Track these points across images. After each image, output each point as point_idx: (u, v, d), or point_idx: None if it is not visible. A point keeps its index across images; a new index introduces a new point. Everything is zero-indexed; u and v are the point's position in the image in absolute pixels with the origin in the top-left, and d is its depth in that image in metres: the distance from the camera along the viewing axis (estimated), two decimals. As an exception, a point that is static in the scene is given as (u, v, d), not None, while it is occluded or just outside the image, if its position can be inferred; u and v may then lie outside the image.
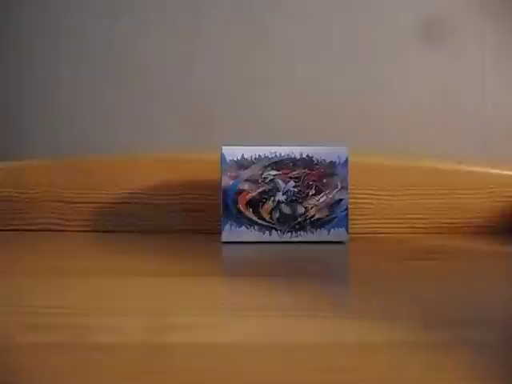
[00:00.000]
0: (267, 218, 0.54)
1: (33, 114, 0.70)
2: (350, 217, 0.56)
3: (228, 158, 0.54)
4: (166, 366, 0.22)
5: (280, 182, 0.54)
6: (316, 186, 0.54)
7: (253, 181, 0.54)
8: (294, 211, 0.54)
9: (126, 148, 0.68)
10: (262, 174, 0.54)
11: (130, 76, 0.70)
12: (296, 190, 0.54)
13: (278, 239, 0.54)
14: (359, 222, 0.63)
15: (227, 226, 0.54)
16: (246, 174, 0.54)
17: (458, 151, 0.67)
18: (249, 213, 0.54)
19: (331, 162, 0.54)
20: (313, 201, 0.55)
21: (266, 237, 0.54)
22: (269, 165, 0.54)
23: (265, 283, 0.36)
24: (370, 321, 0.28)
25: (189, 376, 0.21)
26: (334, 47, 0.69)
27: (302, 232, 0.54)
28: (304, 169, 0.54)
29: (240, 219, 0.54)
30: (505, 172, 0.63)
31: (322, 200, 0.55)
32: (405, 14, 0.68)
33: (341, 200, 0.55)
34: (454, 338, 0.25)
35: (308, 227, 0.54)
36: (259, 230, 0.54)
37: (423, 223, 0.63)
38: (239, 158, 0.54)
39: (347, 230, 0.55)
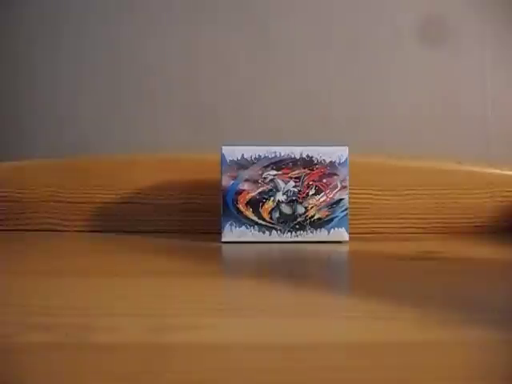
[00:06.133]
0: (267, 217, 0.54)
1: (33, 113, 0.70)
2: (349, 217, 0.56)
3: (228, 157, 0.54)
4: (165, 366, 0.22)
5: (280, 182, 0.54)
6: (316, 186, 0.54)
7: (253, 181, 0.54)
8: (294, 211, 0.54)
9: (126, 148, 0.68)
10: (261, 174, 0.54)
11: (130, 76, 0.70)
12: (296, 190, 0.54)
13: (277, 239, 0.54)
14: (359, 222, 0.63)
15: (227, 226, 0.54)
16: (246, 173, 0.54)
17: (458, 151, 0.67)
18: (249, 213, 0.54)
19: (331, 161, 0.54)
20: (313, 201, 0.55)
21: (266, 237, 0.54)
22: (269, 165, 0.54)
23: (265, 283, 0.36)
24: (370, 321, 0.28)
25: (189, 376, 0.21)
26: (334, 47, 0.69)
27: (301, 232, 0.54)
28: (304, 169, 0.54)
29: (240, 219, 0.54)
30: (505, 172, 0.63)
31: (321, 200, 0.55)
32: (405, 14, 0.68)
33: (341, 200, 0.55)
34: (453, 338, 0.25)
35: (308, 227, 0.54)
36: (259, 229, 0.54)
37: (423, 223, 0.63)
38: (239, 158, 0.54)
39: (347, 230, 0.55)
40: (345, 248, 0.52)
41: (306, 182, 0.54)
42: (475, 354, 0.23)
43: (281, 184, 0.54)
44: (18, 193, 0.65)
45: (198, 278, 0.38)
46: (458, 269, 0.42)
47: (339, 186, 0.55)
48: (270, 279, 0.38)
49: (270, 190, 0.54)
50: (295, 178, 0.54)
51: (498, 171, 0.63)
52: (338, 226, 0.55)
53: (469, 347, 0.24)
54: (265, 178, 0.54)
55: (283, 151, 0.54)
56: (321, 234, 0.55)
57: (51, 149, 0.69)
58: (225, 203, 0.54)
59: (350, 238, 0.55)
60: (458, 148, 0.68)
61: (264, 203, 0.54)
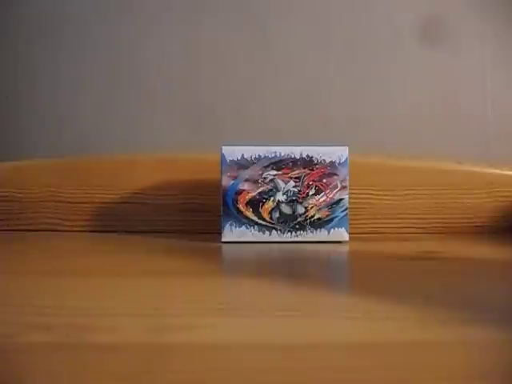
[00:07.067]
0: (267, 217, 0.54)
1: (33, 113, 0.70)
2: (349, 217, 0.56)
3: (228, 157, 0.54)
4: (165, 366, 0.22)
5: (280, 182, 0.54)
6: (316, 186, 0.54)
7: (253, 181, 0.54)
8: (294, 211, 0.54)
9: (126, 148, 0.68)
10: (261, 174, 0.54)
11: (130, 76, 0.70)
12: (296, 189, 0.54)
13: (277, 239, 0.54)
14: (359, 222, 0.63)
15: (227, 226, 0.54)
16: (246, 173, 0.54)
17: (458, 151, 0.67)
18: (249, 213, 0.54)
19: (331, 161, 0.54)
20: (313, 201, 0.55)
21: (265, 237, 0.54)
22: (269, 165, 0.54)
23: (265, 283, 0.36)
24: (370, 321, 0.28)
25: (189, 376, 0.21)
26: (334, 47, 0.69)
27: (301, 232, 0.54)
28: (304, 169, 0.54)
29: (240, 219, 0.54)
30: (505, 172, 0.63)
31: (321, 200, 0.55)
32: (405, 14, 0.68)
33: (341, 200, 0.55)
34: (454, 338, 0.25)
35: (308, 227, 0.54)
36: (259, 229, 0.54)
37: (423, 223, 0.63)
38: (239, 158, 0.54)
39: (347, 230, 0.55)
40: (345, 248, 0.52)
41: (306, 182, 0.54)
42: (476, 353, 0.23)
43: (281, 184, 0.54)
44: (19, 193, 0.65)
45: (198, 278, 0.38)
46: (458, 269, 0.42)
47: (339, 186, 0.55)
48: (269, 279, 0.38)
49: (270, 190, 0.54)
50: (295, 178, 0.54)
51: (497, 171, 0.63)
52: (338, 226, 0.55)
53: (469, 347, 0.24)
54: (265, 178, 0.54)
55: (283, 151, 0.54)
56: (321, 234, 0.55)
57: (51, 149, 0.69)
58: (225, 203, 0.54)
59: (349, 237, 0.55)
60: (457, 148, 0.68)
61: (264, 203, 0.54)
